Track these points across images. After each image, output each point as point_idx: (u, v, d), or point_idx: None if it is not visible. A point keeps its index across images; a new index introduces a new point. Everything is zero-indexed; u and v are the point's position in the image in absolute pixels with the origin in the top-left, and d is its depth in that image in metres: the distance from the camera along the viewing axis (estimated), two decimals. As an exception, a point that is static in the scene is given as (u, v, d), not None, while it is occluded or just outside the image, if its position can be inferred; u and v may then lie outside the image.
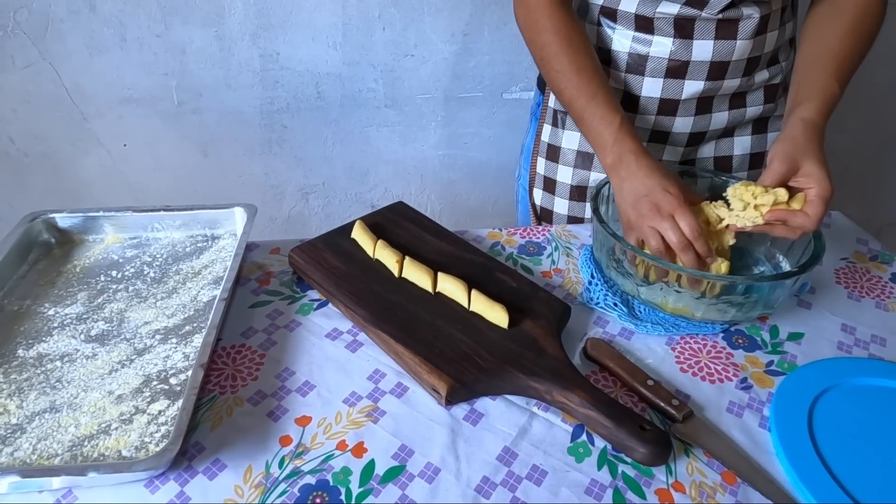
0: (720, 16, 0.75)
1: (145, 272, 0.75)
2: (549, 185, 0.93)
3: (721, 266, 0.69)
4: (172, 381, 0.60)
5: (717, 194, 0.71)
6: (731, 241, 0.72)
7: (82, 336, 0.65)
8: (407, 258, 0.72)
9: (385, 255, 0.72)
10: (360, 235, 0.76)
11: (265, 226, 1.43)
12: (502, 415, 0.58)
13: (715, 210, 0.68)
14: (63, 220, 0.79)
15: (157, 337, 0.65)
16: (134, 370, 0.61)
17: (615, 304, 0.70)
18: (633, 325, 0.68)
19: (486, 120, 1.36)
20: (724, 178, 0.78)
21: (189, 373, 0.59)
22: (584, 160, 0.89)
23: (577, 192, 0.91)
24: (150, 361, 0.62)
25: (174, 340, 0.65)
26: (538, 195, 0.95)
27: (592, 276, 0.74)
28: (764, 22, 0.77)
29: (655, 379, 0.61)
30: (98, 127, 1.25)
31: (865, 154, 1.63)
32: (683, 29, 0.77)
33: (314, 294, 0.73)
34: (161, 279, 0.74)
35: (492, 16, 1.23)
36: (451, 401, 0.58)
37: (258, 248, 0.81)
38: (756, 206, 0.65)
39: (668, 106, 0.82)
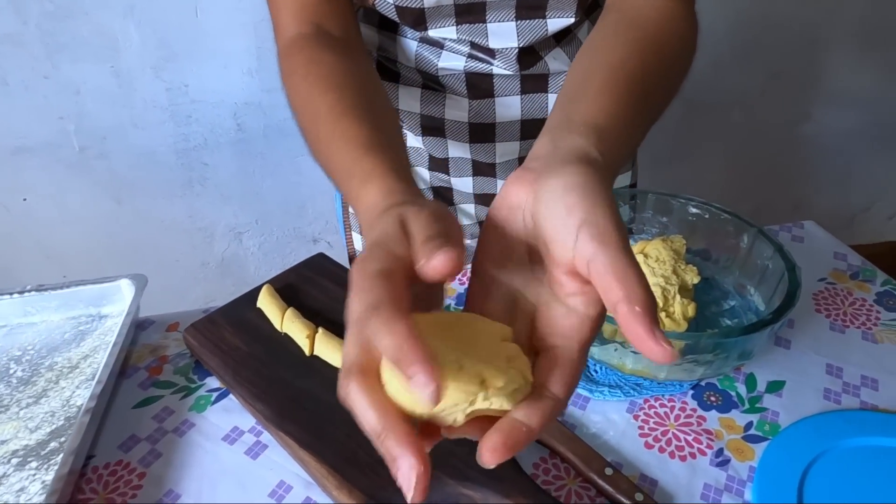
0: (520, 74, 0.62)
1: (11, 371, 0.63)
2: None
3: (687, 308, 0.60)
4: (23, 524, 0.48)
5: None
6: (696, 280, 0.62)
7: (-82, 470, 0.53)
8: (320, 331, 0.61)
9: (294, 328, 0.61)
10: (266, 304, 0.65)
11: (198, 271, 1.31)
12: (432, 533, 0.47)
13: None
14: (-87, 313, 0.66)
15: (14, 461, 0.53)
16: (-24, 513, 0.49)
17: (566, 366, 0.60)
18: (589, 392, 0.58)
19: (429, 138, 1.25)
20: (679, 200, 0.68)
21: (43, 513, 0.48)
22: None
23: None
24: (1, 496, 0.50)
25: (34, 464, 0.53)
26: None
27: (539, 331, 0.64)
28: None
29: (616, 464, 0.52)
30: (-8, 181, 1.12)
31: (832, 141, 1.56)
32: (479, 86, 0.64)
33: (214, 382, 0.61)
34: (30, 379, 0.62)
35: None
36: (367, 522, 0.47)
37: (153, 325, 0.69)
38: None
39: (484, 169, 0.71)
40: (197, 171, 1.17)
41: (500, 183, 0.72)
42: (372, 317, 0.27)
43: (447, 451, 0.50)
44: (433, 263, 0.27)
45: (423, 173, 0.75)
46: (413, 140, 0.73)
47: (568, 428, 0.54)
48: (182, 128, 1.12)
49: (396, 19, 0.60)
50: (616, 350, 0.55)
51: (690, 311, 0.60)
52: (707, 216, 0.68)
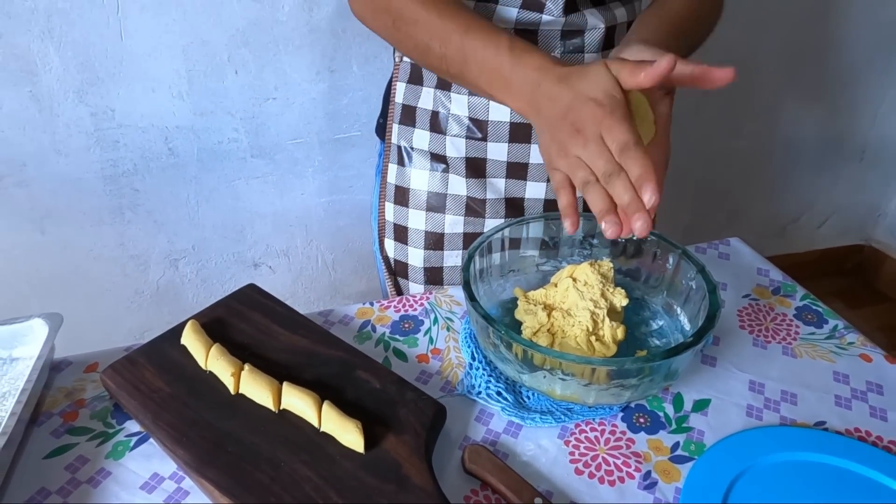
0: (564, 20, 0.68)
1: None
2: (401, 234, 0.82)
3: (616, 331, 0.61)
4: None
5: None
6: (625, 303, 0.63)
7: None
8: (247, 367, 0.59)
9: (219, 365, 0.59)
10: (191, 341, 0.63)
11: (131, 300, 1.26)
12: (359, 577, 0.46)
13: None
14: None
15: None
16: None
17: (499, 393, 0.60)
18: (520, 419, 0.58)
19: (370, 159, 1.23)
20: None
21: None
22: (437, 201, 0.79)
23: (433, 240, 0.81)
24: None
25: (-72, 528, 0.49)
26: (390, 246, 0.84)
27: (473, 358, 0.64)
28: (609, 35, 0.71)
29: (546, 492, 0.52)
30: None
31: (762, 156, 1.64)
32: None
33: (133, 426, 0.58)
34: (-72, 431, 0.57)
35: (358, 49, 1.12)
36: (291, 570, 0.46)
37: (70, 366, 0.66)
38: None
39: (519, 135, 0.74)
40: (127, 197, 1.13)
41: (532, 149, 0.75)
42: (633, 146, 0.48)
43: (374, 489, 0.49)
44: (662, 65, 0.48)
45: (460, 143, 0.76)
46: (458, 104, 0.74)
47: (500, 458, 0.53)
48: (109, 153, 1.07)
49: None
50: (545, 377, 0.55)
51: (619, 333, 0.61)
52: (634, 237, 0.70)
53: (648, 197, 0.47)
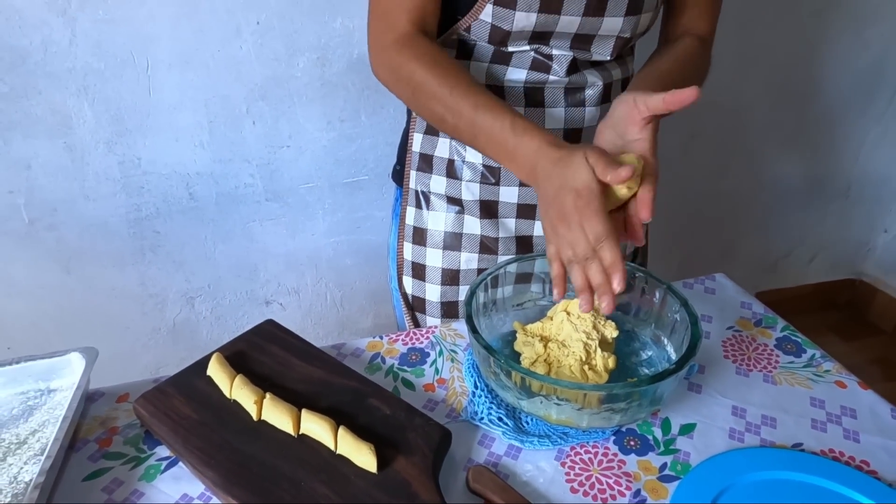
0: (567, 80, 0.76)
1: (-44, 450, 0.63)
2: (419, 272, 0.88)
3: (608, 361, 0.66)
4: None
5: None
6: (615, 334, 0.69)
7: None
8: (268, 396, 0.64)
9: (243, 394, 0.64)
10: (216, 372, 0.68)
11: (149, 337, 1.31)
12: (373, 586, 0.50)
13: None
14: None
15: (-42, 543, 0.54)
16: None
17: (500, 419, 0.65)
18: (520, 442, 0.63)
19: (377, 202, 1.32)
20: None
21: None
22: (453, 240, 0.86)
23: (449, 276, 0.87)
24: (-55, 579, 0.51)
25: (-20, 544, 0.54)
26: (408, 283, 0.90)
27: (476, 387, 0.69)
28: (607, 91, 0.80)
29: (544, 509, 0.56)
30: (-65, 255, 1.12)
31: (750, 195, 1.70)
32: (534, 97, 0.78)
33: (163, 451, 0.63)
34: (-25, 457, 0.62)
35: (366, 101, 1.21)
36: (312, 579, 0.50)
37: (103, 396, 0.71)
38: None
39: None
40: (149, 239, 1.20)
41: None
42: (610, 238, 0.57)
43: (387, 506, 0.54)
44: (622, 175, 0.57)
45: (474, 187, 0.83)
46: (472, 153, 0.82)
47: (501, 478, 0.58)
48: (134, 198, 1.15)
49: (485, 39, 0.74)
50: (542, 402, 0.61)
51: (611, 363, 0.67)
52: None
53: (617, 283, 0.58)
